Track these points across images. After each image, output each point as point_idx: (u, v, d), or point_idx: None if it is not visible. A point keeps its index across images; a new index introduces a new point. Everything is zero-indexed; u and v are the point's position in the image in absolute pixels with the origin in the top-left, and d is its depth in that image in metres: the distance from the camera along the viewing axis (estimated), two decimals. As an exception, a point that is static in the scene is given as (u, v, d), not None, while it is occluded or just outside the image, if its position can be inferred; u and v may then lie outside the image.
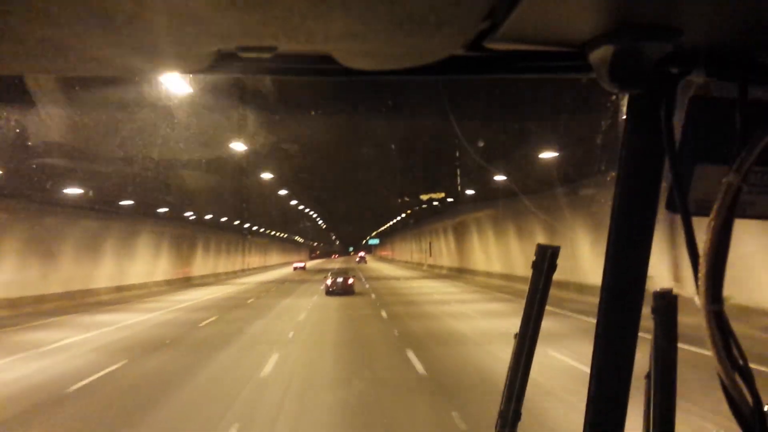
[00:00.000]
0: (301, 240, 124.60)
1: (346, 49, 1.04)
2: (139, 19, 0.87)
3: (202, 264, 53.82)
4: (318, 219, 78.44)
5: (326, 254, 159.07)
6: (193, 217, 42.20)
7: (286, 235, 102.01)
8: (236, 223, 59.66)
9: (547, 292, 1.28)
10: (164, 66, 1.21)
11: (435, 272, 56.20)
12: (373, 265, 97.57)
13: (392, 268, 76.04)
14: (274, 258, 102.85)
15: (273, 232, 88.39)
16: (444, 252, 57.08)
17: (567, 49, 1.07)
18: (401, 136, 24.94)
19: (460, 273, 46.59)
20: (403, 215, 63.29)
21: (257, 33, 0.94)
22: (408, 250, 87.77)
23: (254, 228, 70.61)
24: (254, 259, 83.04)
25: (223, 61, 1.06)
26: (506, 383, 1.31)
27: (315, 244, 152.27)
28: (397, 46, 1.02)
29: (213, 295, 33.21)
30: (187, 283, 46.48)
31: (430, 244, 66.17)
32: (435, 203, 47.82)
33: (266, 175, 35.09)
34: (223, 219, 48.03)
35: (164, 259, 43.10)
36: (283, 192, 45.51)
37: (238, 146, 24.16)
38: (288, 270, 77.09)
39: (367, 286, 36.90)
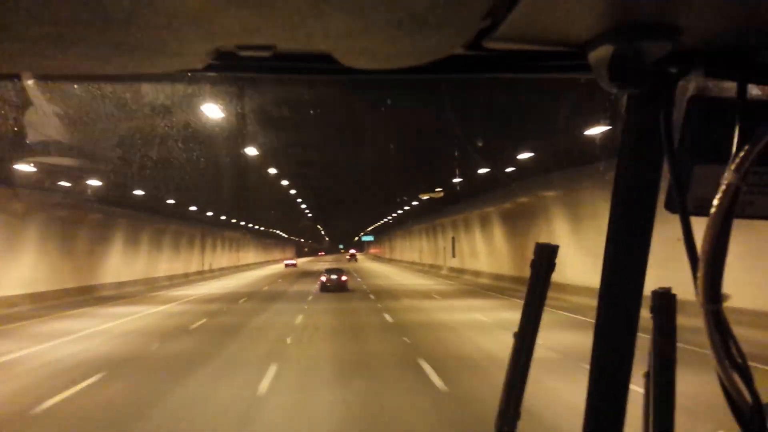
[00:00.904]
0: (284, 235, 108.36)
1: (345, 48, 1.03)
2: (138, 18, 0.86)
3: (123, 264, 35.69)
4: (306, 210, 62.06)
5: (312, 252, 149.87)
6: (69, 185, 23.90)
7: (263, 229, 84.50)
8: (191, 208, 41.86)
9: (546, 291, 1.23)
10: (162, 65, 1.14)
11: (469, 281, 38.36)
12: (370, 265, 79.94)
13: (398, 271, 58.47)
14: (250, 256, 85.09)
15: (250, 225, 71.17)
16: (481, 252, 39.20)
17: (566, 48, 1.07)
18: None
19: (520, 284, 28.76)
20: (417, 202, 46.85)
21: (256, 32, 0.94)
22: (415, 248, 69.99)
23: (221, 217, 53.27)
24: (221, 258, 65.05)
25: (222, 60, 1.05)
26: (505, 382, 1.27)
27: (302, 240, 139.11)
28: (396, 46, 1.01)
29: (28, 350, 14.60)
30: (83, 296, 28.35)
31: (453, 240, 48.55)
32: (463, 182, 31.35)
33: (241, 150, 23.15)
34: (140, 192, 29.58)
35: (29, 256, 24.92)
36: (265, 177, 31.59)
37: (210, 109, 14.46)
38: (263, 273, 59.91)
39: (390, 318, 18.66)
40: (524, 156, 21.76)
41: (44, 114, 14.25)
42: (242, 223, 66.22)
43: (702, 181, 0.99)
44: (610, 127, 15.01)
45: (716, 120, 0.98)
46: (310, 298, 27.03)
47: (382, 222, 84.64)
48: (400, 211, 59.59)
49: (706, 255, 0.88)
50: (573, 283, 21.38)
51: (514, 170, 25.47)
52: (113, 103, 13.35)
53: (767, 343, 9.74)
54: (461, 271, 44.31)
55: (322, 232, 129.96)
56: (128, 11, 0.83)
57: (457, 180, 30.77)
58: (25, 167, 19.64)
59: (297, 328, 16.69)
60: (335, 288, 29.94)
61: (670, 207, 1.01)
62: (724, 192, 0.87)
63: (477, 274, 39.34)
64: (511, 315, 17.75)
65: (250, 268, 76.03)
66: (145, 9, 0.83)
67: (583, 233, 22.52)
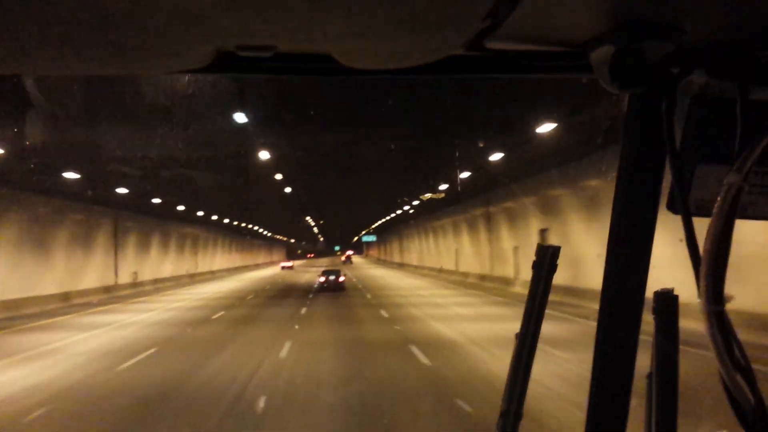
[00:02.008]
0: (268, 234, 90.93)
1: (346, 48, 1.03)
2: (138, 19, 0.86)
3: None
4: (294, 199, 49.41)
5: (303, 254, 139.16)
6: None
7: (240, 224, 64.43)
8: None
9: (548, 292, 1.24)
10: (162, 65, 1.14)
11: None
12: (377, 272, 60.16)
13: (430, 286, 38.47)
14: (216, 260, 64.60)
15: (222, 220, 56.79)
16: (661, 257, 17.70)
17: (568, 49, 1.06)
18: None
19: None
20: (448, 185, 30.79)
21: (257, 32, 0.94)
22: (444, 249, 50.00)
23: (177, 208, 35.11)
24: (163, 264, 44.14)
25: (223, 61, 1.05)
26: (507, 383, 1.28)
27: (293, 240, 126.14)
28: (397, 46, 1.01)
29: None
30: None
31: (542, 234, 27.51)
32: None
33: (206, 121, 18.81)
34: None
35: None
36: (241, 159, 26.88)
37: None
38: (224, 287, 43.10)
39: None
40: None
41: None
42: (205, 215, 46.55)
43: (704, 181, 0.99)
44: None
45: (718, 120, 0.97)
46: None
47: (389, 217, 65.20)
48: (422, 197, 41.25)
49: (708, 256, 0.87)
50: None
51: None
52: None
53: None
54: (571, 291, 22.74)
55: (316, 231, 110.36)
56: (128, 12, 0.82)
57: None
58: None
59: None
60: (332, 288, 31.59)
61: (672, 207, 0.99)
62: (727, 192, 0.87)
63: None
64: None
65: (215, 277, 55.59)
66: (145, 10, 0.82)
67: None
